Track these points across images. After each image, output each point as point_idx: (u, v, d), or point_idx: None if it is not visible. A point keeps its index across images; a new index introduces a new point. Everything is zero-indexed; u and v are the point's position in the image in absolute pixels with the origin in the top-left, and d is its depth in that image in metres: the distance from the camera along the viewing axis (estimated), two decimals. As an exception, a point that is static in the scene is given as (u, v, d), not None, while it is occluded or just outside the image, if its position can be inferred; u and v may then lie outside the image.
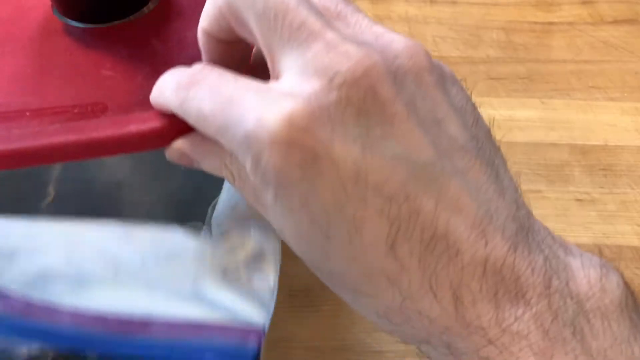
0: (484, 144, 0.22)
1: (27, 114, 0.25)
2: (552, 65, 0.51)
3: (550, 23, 0.54)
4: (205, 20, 0.22)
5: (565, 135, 0.47)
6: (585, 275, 0.20)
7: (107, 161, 0.37)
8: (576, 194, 0.44)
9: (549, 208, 0.43)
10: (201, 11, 0.25)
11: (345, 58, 0.19)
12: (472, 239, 0.20)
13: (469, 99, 0.23)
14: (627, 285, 0.21)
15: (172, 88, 0.22)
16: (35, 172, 0.36)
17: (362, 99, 0.19)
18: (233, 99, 0.20)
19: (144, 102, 0.24)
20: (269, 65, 0.21)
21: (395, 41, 0.21)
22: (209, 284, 0.27)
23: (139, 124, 0.23)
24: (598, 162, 0.46)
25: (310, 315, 0.37)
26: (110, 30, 0.29)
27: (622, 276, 0.21)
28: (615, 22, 0.54)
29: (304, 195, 0.19)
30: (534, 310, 0.20)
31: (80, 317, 0.26)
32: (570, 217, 0.43)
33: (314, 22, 0.20)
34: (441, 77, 0.22)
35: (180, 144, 0.23)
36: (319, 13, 0.20)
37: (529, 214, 0.22)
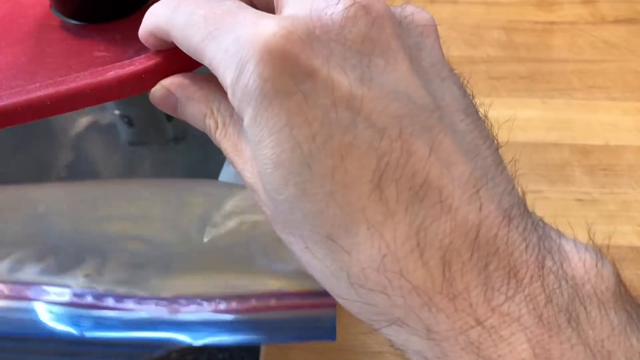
0: (482, 121, 0.21)
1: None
2: (553, 65, 0.51)
3: (551, 22, 0.54)
4: None
5: (566, 135, 0.47)
6: (580, 258, 0.19)
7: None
8: (577, 194, 0.44)
9: (549, 208, 0.43)
10: None
11: None
12: (465, 199, 0.18)
13: (465, 90, 0.22)
14: (619, 275, 0.19)
15: (164, 2, 0.21)
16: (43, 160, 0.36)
17: (368, 27, 0.18)
18: (231, 11, 0.19)
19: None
20: (277, 8, 0.20)
21: (403, 3, 0.21)
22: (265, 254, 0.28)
23: (118, 70, 0.22)
24: (599, 162, 0.45)
25: (310, 315, 0.37)
26: (109, 26, 0.29)
27: (614, 265, 0.20)
28: (616, 21, 0.54)
29: (290, 112, 0.18)
30: (526, 291, 0.18)
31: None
32: (571, 217, 0.43)
33: None
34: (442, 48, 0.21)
35: (168, 81, 0.22)
36: None
37: (523, 197, 0.20)
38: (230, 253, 0.30)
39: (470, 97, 0.21)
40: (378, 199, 0.18)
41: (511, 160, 0.22)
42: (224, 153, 0.21)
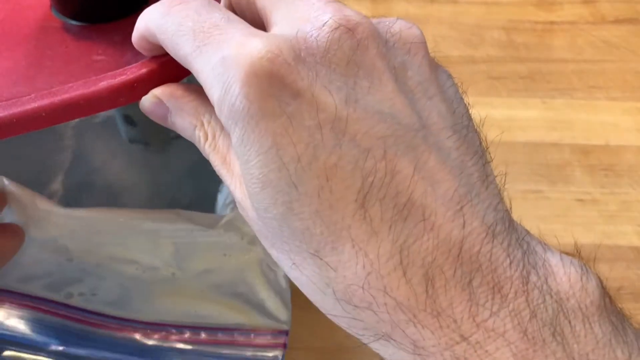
0: (472, 136, 0.21)
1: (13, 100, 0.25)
2: (553, 65, 0.51)
3: (552, 22, 0.54)
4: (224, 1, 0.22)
5: (566, 135, 0.47)
6: (565, 273, 0.19)
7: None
8: (577, 194, 0.44)
9: (550, 208, 0.43)
10: None
11: (339, 11, 0.19)
12: (449, 216, 0.18)
13: (461, 95, 0.22)
14: (605, 288, 0.20)
15: (156, 7, 0.21)
16: (42, 170, 0.37)
17: (353, 49, 0.19)
18: (219, 24, 0.19)
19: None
20: (266, 25, 0.21)
21: (393, 18, 0.21)
22: (248, 281, 0.30)
23: (110, 80, 0.22)
24: (599, 162, 0.45)
25: (310, 316, 0.37)
26: (108, 26, 0.29)
27: (600, 278, 0.20)
28: (617, 21, 0.54)
29: (275, 134, 0.18)
30: (511, 306, 0.18)
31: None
32: (571, 217, 0.43)
33: None
34: (435, 63, 0.21)
35: (159, 91, 0.22)
36: None
37: (509, 211, 0.21)
38: (201, 283, 0.31)
39: (464, 109, 0.21)
40: (362, 218, 0.18)
41: (500, 173, 0.21)
42: (213, 165, 0.21)
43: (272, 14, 0.20)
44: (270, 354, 0.30)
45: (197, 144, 0.21)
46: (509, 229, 0.19)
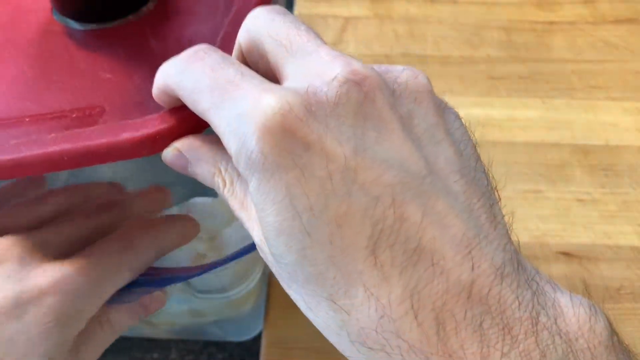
0: (480, 177, 0.21)
1: (27, 119, 0.26)
2: (553, 65, 0.51)
3: (551, 22, 0.54)
4: (235, 51, 0.23)
5: (566, 135, 0.47)
6: (574, 313, 0.20)
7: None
8: (577, 194, 0.44)
9: (550, 208, 0.43)
10: (198, 10, 0.27)
11: (347, 65, 0.20)
12: (458, 260, 0.19)
13: (469, 135, 0.22)
14: (613, 327, 0.20)
15: (173, 63, 0.22)
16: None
17: (361, 102, 0.20)
18: (234, 81, 0.20)
19: (141, 104, 0.24)
20: (278, 78, 0.22)
21: (399, 66, 0.22)
22: None
23: (133, 131, 0.23)
24: (599, 162, 0.46)
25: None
26: (109, 31, 0.29)
27: (608, 318, 0.20)
28: (616, 21, 0.54)
29: (289, 185, 0.19)
30: (521, 347, 0.19)
31: None
32: (571, 217, 0.43)
33: (315, 41, 0.21)
34: (442, 105, 0.22)
35: (179, 144, 0.23)
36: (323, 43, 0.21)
37: (518, 251, 0.21)
38: None
39: (471, 150, 0.22)
40: (373, 263, 0.19)
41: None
42: (232, 209, 0.22)
43: (283, 67, 0.21)
44: None
45: (216, 190, 0.22)
46: (517, 269, 0.20)
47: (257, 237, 0.21)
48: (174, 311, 0.38)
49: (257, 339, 0.41)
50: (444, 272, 0.19)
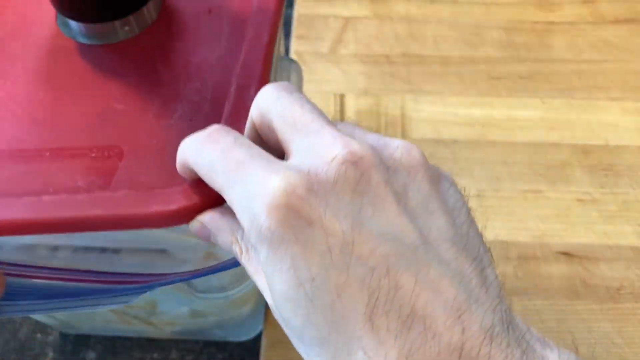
0: (472, 242, 0.23)
1: (47, 154, 0.27)
2: (553, 65, 0.51)
3: (551, 22, 0.54)
4: (248, 124, 0.26)
5: (566, 135, 0.47)
6: None
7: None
8: (577, 194, 0.44)
9: (550, 208, 0.43)
10: (201, 30, 0.30)
11: (346, 146, 0.22)
12: (448, 324, 0.20)
13: (463, 201, 0.24)
14: None
15: (191, 145, 0.24)
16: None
17: (357, 180, 0.22)
18: (244, 162, 0.23)
19: (158, 148, 0.27)
20: (285, 152, 0.24)
21: (394, 141, 0.24)
22: None
23: (162, 205, 0.25)
24: (599, 162, 0.46)
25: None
26: (116, 47, 0.30)
27: None
28: (616, 21, 0.54)
29: (293, 257, 0.21)
30: None
31: None
32: (571, 217, 0.43)
33: (319, 120, 0.23)
34: (436, 175, 0.24)
35: (202, 217, 0.25)
36: (330, 122, 0.23)
37: (510, 310, 0.23)
38: None
39: (464, 217, 0.24)
40: (371, 329, 0.21)
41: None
42: (248, 274, 0.24)
43: (289, 144, 0.23)
44: None
45: (235, 256, 0.25)
46: (507, 329, 0.21)
47: (270, 300, 0.23)
48: (174, 311, 0.38)
49: (257, 339, 0.41)
50: (436, 335, 0.20)
